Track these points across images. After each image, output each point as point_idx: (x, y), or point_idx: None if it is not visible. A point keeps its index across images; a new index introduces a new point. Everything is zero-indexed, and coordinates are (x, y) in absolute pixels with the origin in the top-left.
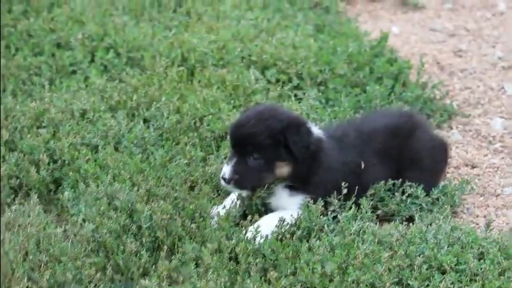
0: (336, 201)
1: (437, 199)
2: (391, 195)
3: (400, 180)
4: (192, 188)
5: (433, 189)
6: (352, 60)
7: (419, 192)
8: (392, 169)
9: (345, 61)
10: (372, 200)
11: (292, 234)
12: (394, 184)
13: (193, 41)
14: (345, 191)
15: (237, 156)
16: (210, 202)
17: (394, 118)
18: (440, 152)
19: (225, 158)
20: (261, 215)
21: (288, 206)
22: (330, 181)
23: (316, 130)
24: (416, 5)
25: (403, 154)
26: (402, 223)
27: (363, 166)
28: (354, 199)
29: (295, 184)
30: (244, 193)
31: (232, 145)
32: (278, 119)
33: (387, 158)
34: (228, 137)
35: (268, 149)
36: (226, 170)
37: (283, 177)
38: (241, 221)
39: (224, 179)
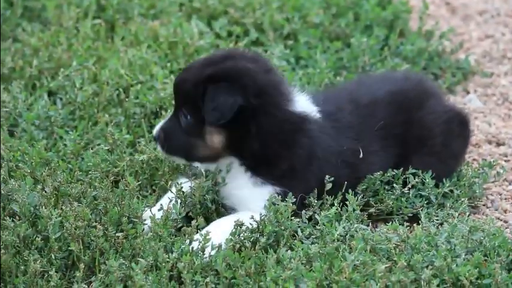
0: (314, 199)
1: (451, 190)
2: (388, 188)
3: (402, 169)
4: (116, 184)
5: (446, 179)
6: (331, 4)
7: (427, 180)
8: (397, 155)
9: (320, 5)
10: (362, 194)
11: (255, 242)
12: (394, 176)
13: None
14: (329, 185)
15: (173, 112)
16: (142, 202)
17: (398, 84)
18: (460, 131)
19: None
20: (211, 219)
21: (250, 201)
22: (313, 173)
23: (303, 101)
24: None
25: (409, 132)
26: (403, 224)
27: (361, 155)
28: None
29: (249, 166)
30: (176, 160)
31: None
32: (214, 64)
33: (391, 141)
34: None
35: (195, 104)
36: (157, 126)
37: (222, 151)
38: (184, 227)
39: (154, 137)
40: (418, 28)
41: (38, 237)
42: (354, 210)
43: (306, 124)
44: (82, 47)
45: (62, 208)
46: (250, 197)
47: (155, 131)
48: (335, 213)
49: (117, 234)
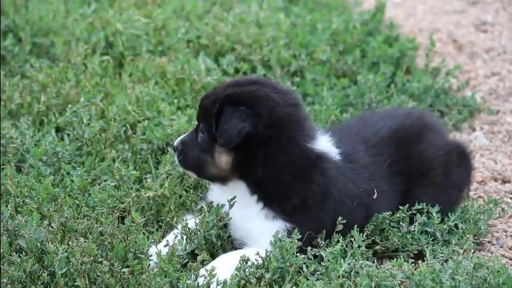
0: (321, 239)
1: (456, 226)
2: (394, 225)
3: (407, 205)
4: (122, 220)
5: (450, 213)
6: (338, 41)
7: (434, 215)
8: (402, 191)
9: (328, 42)
10: (367, 232)
11: (260, 278)
12: (403, 218)
13: (120, 21)
14: (340, 227)
15: (195, 128)
16: (148, 238)
17: (399, 120)
18: (460, 162)
19: (167, 177)
20: (216, 255)
21: (260, 235)
22: (327, 213)
23: (324, 141)
24: None
25: (411, 166)
26: (408, 260)
27: (375, 196)
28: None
29: (261, 196)
30: (189, 174)
31: None
32: (238, 86)
33: (397, 178)
34: None
35: (210, 122)
36: (179, 138)
37: (230, 173)
38: (190, 263)
39: (173, 148)
40: (425, 65)
41: (44, 272)
42: (359, 247)
43: (323, 163)
44: (90, 83)
45: (68, 243)
46: (260, 231)
47: (176, 142)
48: (340, 250)
49: (123, 270)
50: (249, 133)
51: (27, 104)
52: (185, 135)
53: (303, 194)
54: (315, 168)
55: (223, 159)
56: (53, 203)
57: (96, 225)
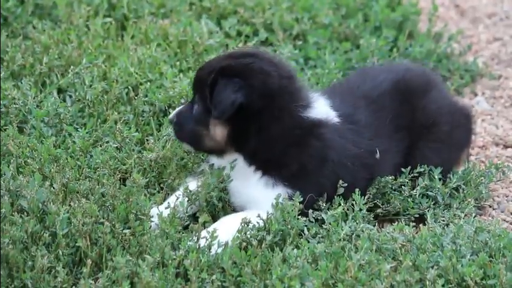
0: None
1: (457, 189)
2: (395, 188)
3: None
4: (124, 181)
5: (450, 174)
6: (340, 5)
7: (435, 180)
8: (406, 147)
9: (330, 6)
10: (369, 195)
11: (261, 240)
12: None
13: None
14: (341, 190)
15: (191, 99)
16: (149, 200)
17: (400, 73)
18: (462, 121)
19: (169, 139)
20: (217, 217)
21: (262, 202)
22: (328, 177)
23: (322, 107)
24: None
25: (415, 120)
26: (409, 224)
27: (378, 155)
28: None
29: (258, 166)
30: (185, 147)
31: None
32: (233, 58)
33: (399, 133)
34: None
35: (205, 94)
36: (175, 110)
37: (226, 145)
38: (192, 224)
39: (169, 121)
40: (427, 30)
41: (46, 233)
42: (360, 210)
43: (319, 128)
44: (92, 45)
45: (70, 204)
46: (262, 198)
47: (172, 114)
48: (341, 213)
49: (124, 231)
50: (242, 104)
51: (29, 65)
52: (181, 107)
53: (300, 160)
54: (311, 134)
55: (218, 132)
56: (55, 164)
57: (97, 186)
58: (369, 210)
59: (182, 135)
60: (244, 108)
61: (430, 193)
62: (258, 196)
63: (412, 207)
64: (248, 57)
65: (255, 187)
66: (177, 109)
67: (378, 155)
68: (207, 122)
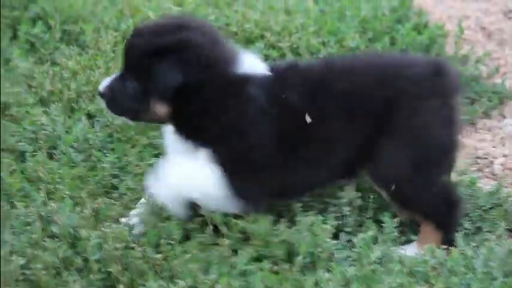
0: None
1: (486, 211)
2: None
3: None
4: (155, 210)
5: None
6: (367, 28)
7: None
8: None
9: (357, 29)
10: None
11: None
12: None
13: (150, 8)
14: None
15: (121, 72)
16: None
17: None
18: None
19: None
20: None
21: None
22: (253, 131)
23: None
24: None
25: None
26: (440, 247)
27: (308, 119)
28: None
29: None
30: (120, 120)
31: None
32: (164, 35)
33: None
34: None
35: (141, 74)
36: (105, 81)
37: (167, 119)
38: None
39: (99, 92)
40: (454, 52)
41: (78, 258)
42: (390, 232)
43: (244, 85)
44: (119, 70)
45: (101, 230)
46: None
47: (102, 87)
48: (372, 237)
49: (155, 256)
50: (183, 82)
51: (57, 91)
52: (110, 79)
53: (221, 120)
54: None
55: (160, 109)
56: (85, 190)
57: (128, 211)
58: (401, 232)
59: (117, 110)
60: (184, 85)
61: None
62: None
63: None
64: (178, 30)
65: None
66: (107, 81)
67: (308, 119)
68: (146, 100)
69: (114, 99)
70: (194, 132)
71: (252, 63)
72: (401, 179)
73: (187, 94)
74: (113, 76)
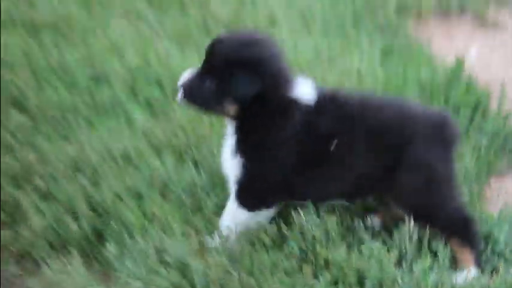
0: (411, 249)
1: None
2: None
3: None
4: (250, 240)
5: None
6: (425, 89)
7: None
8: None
9: (417, 90)
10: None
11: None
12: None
13: None
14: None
15: (201, 70)
16: (268, 254)
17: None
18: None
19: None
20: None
21: (228, 169)
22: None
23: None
24: (496, 24)
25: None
26: (484, 273)
27: (333, 147)
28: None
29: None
30: (191, 107)
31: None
32: (248, 47)
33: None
34: None
35: (221, 79)
36: (186, 75)
37: (233, 115)
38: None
39: (179, 84)
40: (498, 110)
41: (186, 283)
42: (443, 261)
43: (292, 108)
44: (220, 124)
45: (205, 259)
46: (229, 167)
47: (182, 80)
48: (429, 264)
49: (250, 281)
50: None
51: (169, 141)
52: (189, 75)
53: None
54: (283, 111)
55: (231, 110)
56: (193, 226)
57: (227, 243)
58: (453, 257)
59: (193, 102)
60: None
61: (497, 249)
62: (227, 165)
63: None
64: (258, 45)
65: (228, 154)
66: (187, 75)
67: (333, 147)
68: (221, 99)
69: (192, 92)
70: (244, 136)
71: (303, 87)
72: (419, 202)
73: (252, 102)
74: (191, 72)
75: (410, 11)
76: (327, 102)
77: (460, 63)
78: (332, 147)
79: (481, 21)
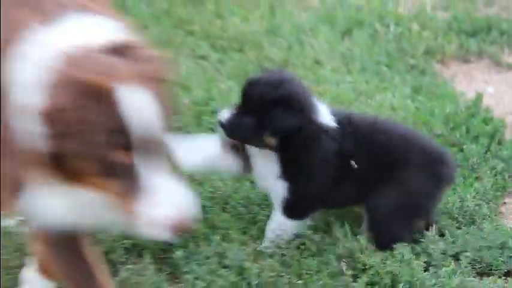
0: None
1: None
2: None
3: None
4: (298, 247)
5: None
6: (449, 120)
7: None
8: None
9: (442, 121)
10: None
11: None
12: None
13: None
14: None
15: (239, 108)
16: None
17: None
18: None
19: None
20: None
21: (273, 190)
22: (321, 173)
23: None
24: (510, 66)
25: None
26: (501, 277)
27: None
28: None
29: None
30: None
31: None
32: (283, 86)
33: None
34: None
35: (261, 116)
36: (225, 114)
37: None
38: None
39: (220, 122)
40: None
41: (243, 283)
42: (466, 266)
43: (321, 132)
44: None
45: (259, 263)
46: (273, 187)
47: (223, 119)
48: (452, 269)
49: (298, 282)
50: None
51: None
52: (229, 113)
53: (304, 160)
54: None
55: (270, 142)
56: (249, 234)
57: (279, 250)
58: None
59: (235, 137)
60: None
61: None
62: (270, 185)
63: (501, 265)
64: (289, 84)
65: (271, 175)
66: (227, 114)
67: (354, 165)
68: (260, 134)
69: (233, 129)
70: (286, 163)
71: (324, 113)
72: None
73: (289, 132)
74: (230, 111)
75: (435, 54)
76: (345, 124)
77: (479, 98)
78: (354, 164)
79: (497, 63)
